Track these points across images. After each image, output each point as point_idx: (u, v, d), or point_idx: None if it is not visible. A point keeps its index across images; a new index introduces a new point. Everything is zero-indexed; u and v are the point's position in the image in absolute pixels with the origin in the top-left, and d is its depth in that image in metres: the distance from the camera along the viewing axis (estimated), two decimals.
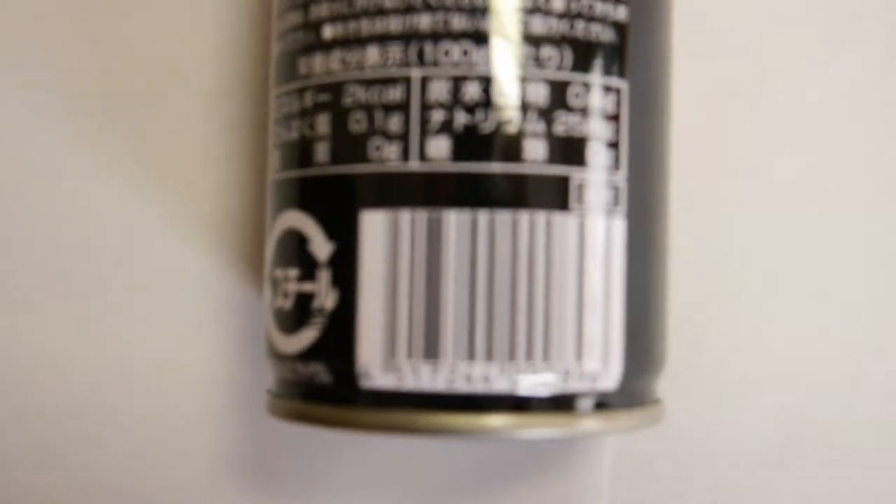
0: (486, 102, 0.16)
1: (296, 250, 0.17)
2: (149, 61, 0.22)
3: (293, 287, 0.17)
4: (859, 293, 0.21)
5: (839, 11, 0.22)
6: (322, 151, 0.17)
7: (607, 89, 0.17)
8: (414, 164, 0.16)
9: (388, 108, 0.16)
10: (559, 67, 0.16)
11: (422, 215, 0.16)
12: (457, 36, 0.16)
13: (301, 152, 0.17)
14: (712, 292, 0.22)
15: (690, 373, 0.21)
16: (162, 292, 0.22)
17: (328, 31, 0.17)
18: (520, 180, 0.16)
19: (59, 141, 0.22)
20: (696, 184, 0.21)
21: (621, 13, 0.17)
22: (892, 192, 0.21)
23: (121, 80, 0.22)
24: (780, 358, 0.22)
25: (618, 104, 0.17)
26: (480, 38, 0.16)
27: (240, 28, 0.22)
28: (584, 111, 0.17)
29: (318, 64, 0.17)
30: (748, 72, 0.22)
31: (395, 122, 0.16)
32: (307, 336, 0.17)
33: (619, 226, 0.17)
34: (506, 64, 0.16)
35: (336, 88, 0.17)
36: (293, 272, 0.17)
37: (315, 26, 0.17)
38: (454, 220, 0.16)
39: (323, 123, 0.17)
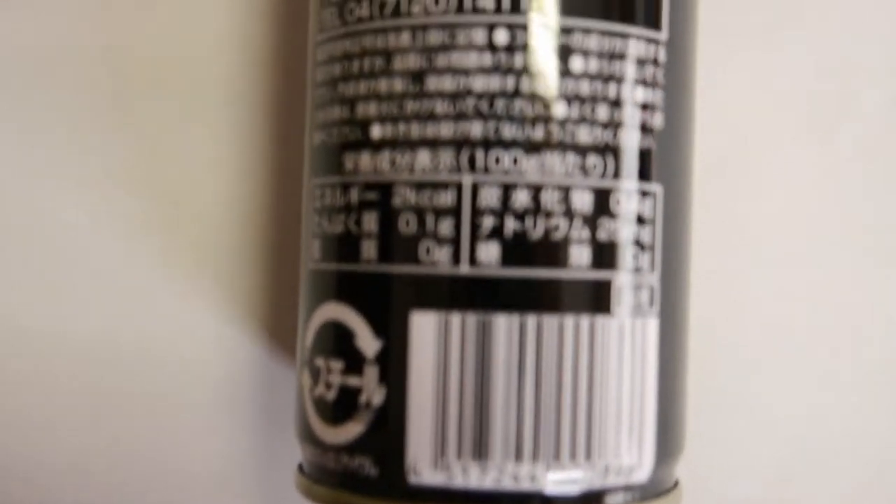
0: (536, 210, 0.17)
1: (340, 343, 0.18)
2: (161, 89, 0.22)
3: (337, 379, 0.18)
4: (856, 355, 0.23)
5: (838, 85, 0.23)
6: (369, 249, 0.17)
7: (645, 194, 0.18)
8: (464, 268, 0.17)
9: (439, 212, 0.17)
10: (603, 175, 0.17)
11: (471, 318, 0.17)
12: (507, 144, 0.17)
13: (346, 247, 0.18)
14: (711, 353, 0.23)
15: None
16: (170, 354, 0.23)
17: (377, 131, 0.17)
18: (566, 285, 0.17)
19: (64, 196, 0.22)
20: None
21: (658, 120, 0.18)
22: (891, 262, 0.23)
23: (128, 129, 0.22)
24: (776, 417, 0.23)
25: (654, 208, 0.18)
26: (530, 147, 0.17)
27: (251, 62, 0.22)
28: (624, 216, 0.17)
29: (366, 162, 0.18)
30: (746, 143, 0.23)
31: (445, 227, 0.17)
32: (353, 429, 0.17)
33: (653, 324, 0.18)
34: (554, 172, 0.17)
35: (385, 188, 0.17)
36: (337, 364, 0.18)
37: (362, 124, 0.18)
38: (503, 324, 0.17)
39: (370, 221, 0.17)
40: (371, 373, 0.17)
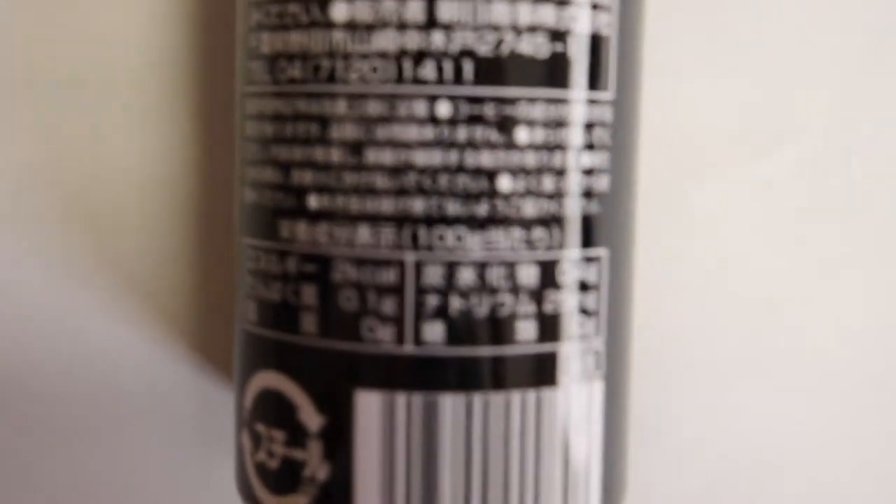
0: (481, 287, 0.16)
1: (281, 414, 0.17)
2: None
3: (280, 449, 0.17)
4: (804, 375, 0.23)
5: (779, 105, 0.23)
6: (309, 322, 0.17)
7: (590, 260, 0.17)
8: (409, 348, 0.17)
9: (382, 290, 0.16)
10: (549, 247, 0.17)
11: (417, 399, 0.17)
12: (451, 221, 0.16)
13: (284, 317, 0.17)
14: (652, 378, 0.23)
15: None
16: (94, 375, 0.22)
17: (314, 202, 0.17)
18: (512, 362, 0.17)
19: None
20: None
21: (603, 183, 0.17)
22: (833, 288, 0.23)
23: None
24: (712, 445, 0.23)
25: (599, 273, 0.17)
26: (475, 224, 0.16)
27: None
28: (570, 286, 0.17)
29: (303, 232, 0.17)
30: (685, 165, 0.23)
31: (388, 305, 0.16)
32: (297, 502, 0.17)
33: (598, 387, 0.18)
34: (499, 248, 0.16)
35: (324, 261, 0.17)
36: (279, 434, 0.17)
37: (298, 192, 0.17)
38: (449, 405, 0.17)
39: (309, 294, 0.17)
40: (315, 448, 0.17)
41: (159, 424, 0.22)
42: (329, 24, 0.16)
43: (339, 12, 0.16)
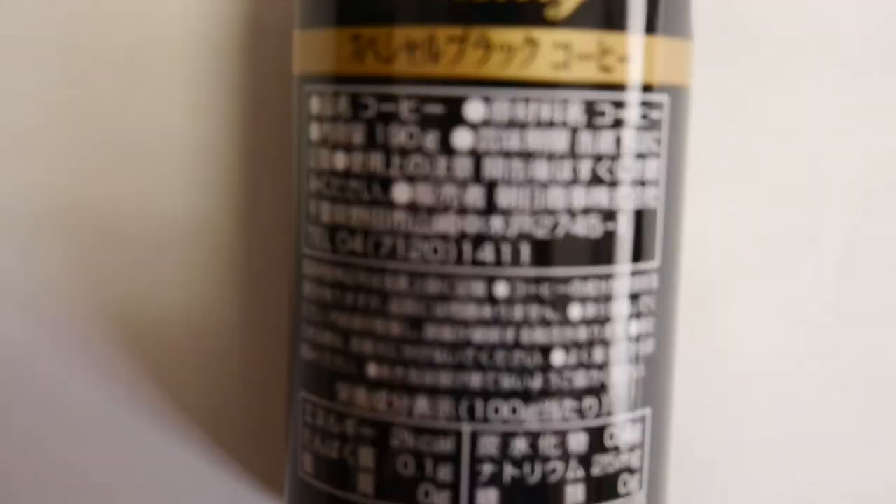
0: (534, 456, 0.17)
1: None
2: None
3: None
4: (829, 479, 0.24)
5: (799, 220, 0.23)
6: (366, 483, 0.18)
7: (636, 421, 0.18)
8: None
9: (438, 458, 0.17)
10: (598, 414, 0.18)
11: None
12: (506, 394, 0.17)
13: (341, 475, 0.18)
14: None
15: None
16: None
17: (373, 370, 0.17)
18: None
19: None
20: None
21: (649, 347, 0.18)
22: (855, 397, 0.24)
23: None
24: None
25: (643, 431, 0.18)
26: (529, 397, 0.17)
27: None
28: (616, 448, 0.18)
29: (362, 398, 0.18)
30: (714, 277, 0.23)
31: (444, 472, 0.17)
32: None
33: None
34: (552, 419, 0.17)
35: (382, 427, 0.17)
36: None
37: (357, 359, 0.18)
38: None
39: (367, 457, 0.18)
40: None
41: None
42: (390, 205, 0.17)
43: (400, 194, 0.17)
